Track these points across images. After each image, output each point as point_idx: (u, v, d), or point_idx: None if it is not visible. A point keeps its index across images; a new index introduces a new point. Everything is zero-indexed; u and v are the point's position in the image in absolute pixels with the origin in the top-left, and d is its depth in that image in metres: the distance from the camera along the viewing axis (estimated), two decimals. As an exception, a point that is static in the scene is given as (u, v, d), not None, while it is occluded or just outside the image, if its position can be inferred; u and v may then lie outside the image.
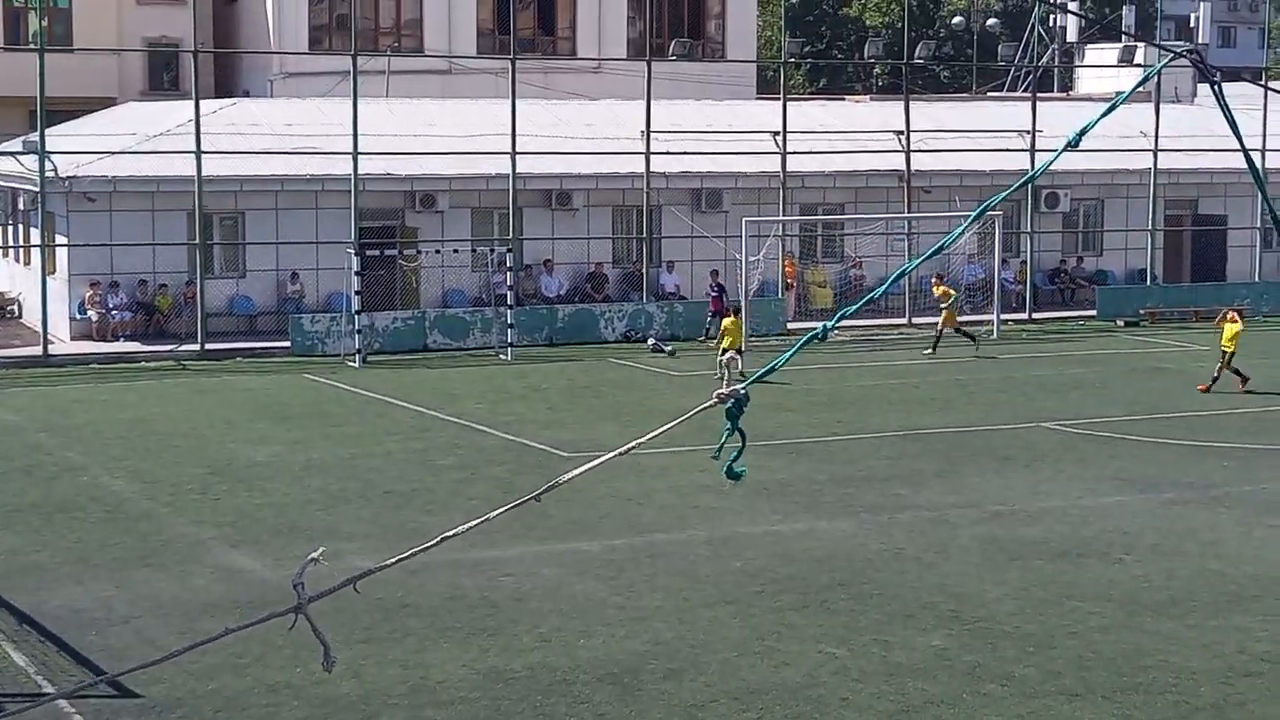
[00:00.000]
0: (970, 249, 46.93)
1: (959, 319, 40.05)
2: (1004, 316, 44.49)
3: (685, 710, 15.03)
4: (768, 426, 28.73)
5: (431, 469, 25.95)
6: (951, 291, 40.21)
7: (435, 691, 15.52)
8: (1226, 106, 4.98)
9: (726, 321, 34.81)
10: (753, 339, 39.50)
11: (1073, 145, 5.04)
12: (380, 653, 16.58)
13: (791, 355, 5.07)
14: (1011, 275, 47.98)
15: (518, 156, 41.86)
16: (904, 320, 45.29)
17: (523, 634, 17.28)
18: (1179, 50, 5.22)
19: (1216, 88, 5.13)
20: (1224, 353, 32.75)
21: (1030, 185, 46.93)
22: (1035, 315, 46.72)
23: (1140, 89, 52.27)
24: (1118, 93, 52.52)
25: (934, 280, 40.85)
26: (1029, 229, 48.01)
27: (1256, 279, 49.27)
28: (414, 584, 18.78)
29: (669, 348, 39.16)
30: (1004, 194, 4.98)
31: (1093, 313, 46.78)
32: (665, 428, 4.98)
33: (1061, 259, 50.18)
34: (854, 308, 5.53)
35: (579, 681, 15.78)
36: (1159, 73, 48.73)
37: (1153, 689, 15.56)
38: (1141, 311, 46.58)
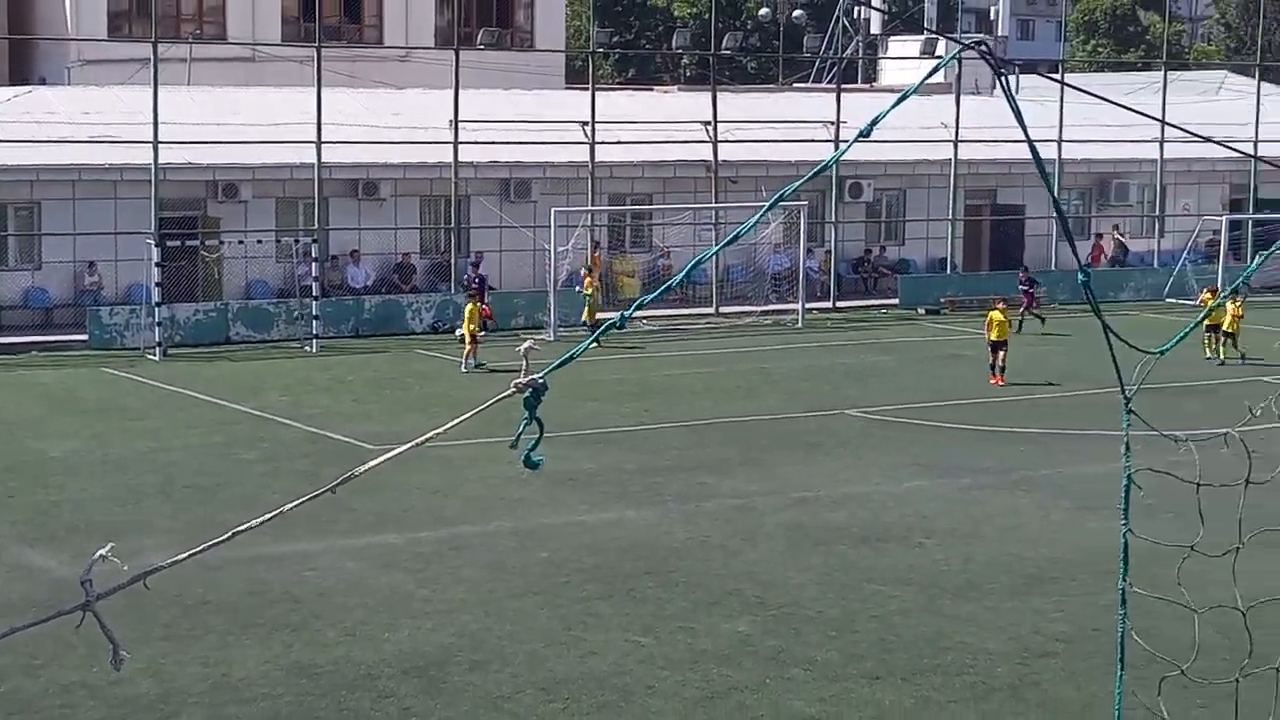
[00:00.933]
0: (776, 239, 47.43)
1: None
2: (808, 305, 45.02)
3: (491, 702, 14.97)
4: (575, 417, 28.74)
5: (234, 463, 25.53)
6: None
7: (237, 689, 15.27)
8: (1012, 97, 5.06)
9: (469, 307, 35.50)
10: (562, 329, 39.53)
11: (864, 135, 5.06)
12: (180, 650, 16.27)
13: (588, 345, 5.03)
14: (816, 264, 48.58)
15: (323, 146, 41.35)
16: (711, 310, 45.63)
17: (326, 629, 17.08)
18: (967, 43, 5.28)
19: (1003, 78, 5.19)
20: (993, 343, 33.40)
21: (834, 176, 47.54)
22: (839, 304, 47.37)
23: (942, 81, 53.26)
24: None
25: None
26: (833, 219, 48.64)
27: (1053, 267, 50.46)
28: (214, 580, 18.45)
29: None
30: (796, 184, 5.00)
31: (895, 301, 47.57)
32: (461, 418, 4.92)
33: (865, 248, 50.93)
34: (650, 297, 5.51)
35: (384, 675, 15.64)
36: (959, 64, 49.62)
37: (951, 670, 15.86)
38: (942, 300, 47.47)
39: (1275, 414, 5.87)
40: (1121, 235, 53.20)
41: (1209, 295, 37.83)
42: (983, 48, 5.52)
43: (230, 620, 17.31)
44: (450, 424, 5.32)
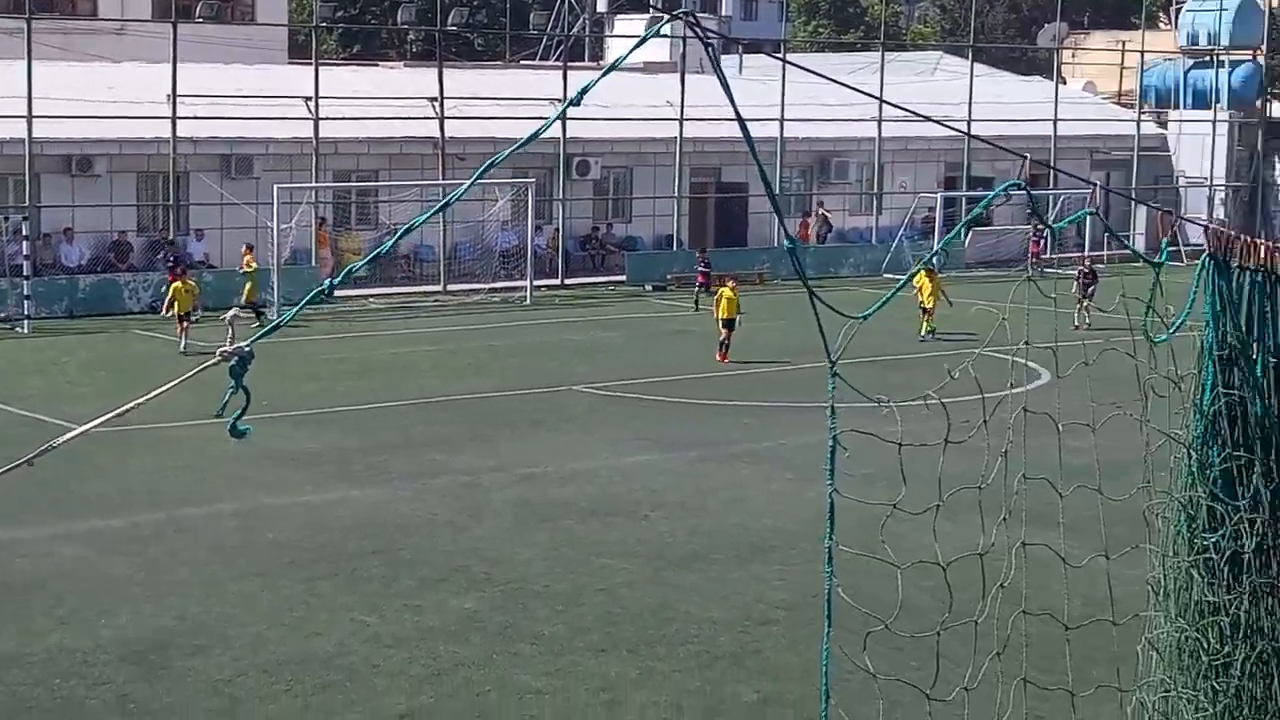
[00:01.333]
0: (504, 216, 47.32)
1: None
2: (537, 282, 45.05)
3: (212, 685, 14.65)
4: (300, 396, 28.30)
5: (-60, 448, 24.49)
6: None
7: (-59, 682, 14.66)
8: (718, 64, 5.07)
9: (177, 286, 34.23)
10: (285, 307, 38.82)
11: (575, 103, 5.04)
12: (-120, 644, 15.55)
13: (296, 312, 4.90)
14: (544, 242, 48.64)
15: (35, 120, 39.85)
16: (439, 287, 45.34)
17: (39, 616, 16.51)
18: (675, 14, 5.28)
19: (708, 49, 5.22)
20: (721, 321, 33.59)
21: (561, 153, 47.60)
22: (567, 281, 47.50)
23: (668, 60, 53.77)
24: (645, 62, 53.90)
25: None
26: (561, 196, 48.74)
27: (775, 244, 51.34)
28: (-82, 570, 17.70)
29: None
30: (507, 151, 4.94)
31: (622, 278, 47.89)
32: (163, 389, 4.76)
33: (593, 225, 51.16)
34: (360, 264, 5.42)
35: (100, 662, 15.18)
36: (684, 43, 50.12)
37: (676, 640, 16.03)
38: (669, 276, 47.94)
39: (974, 377, 6.02)
40: (827, 212, 54.27)
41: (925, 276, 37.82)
42: (690, 18, 5.53)
43: (-65, 611, 16.61)
44: (151, 395, 5.15)
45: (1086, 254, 48.12)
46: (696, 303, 40.79)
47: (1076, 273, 39.54)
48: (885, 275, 49.66)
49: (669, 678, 14.99)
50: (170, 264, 39.33)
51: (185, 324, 33.74)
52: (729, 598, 17.42)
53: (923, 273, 36.16)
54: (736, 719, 14.00)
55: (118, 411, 5.22)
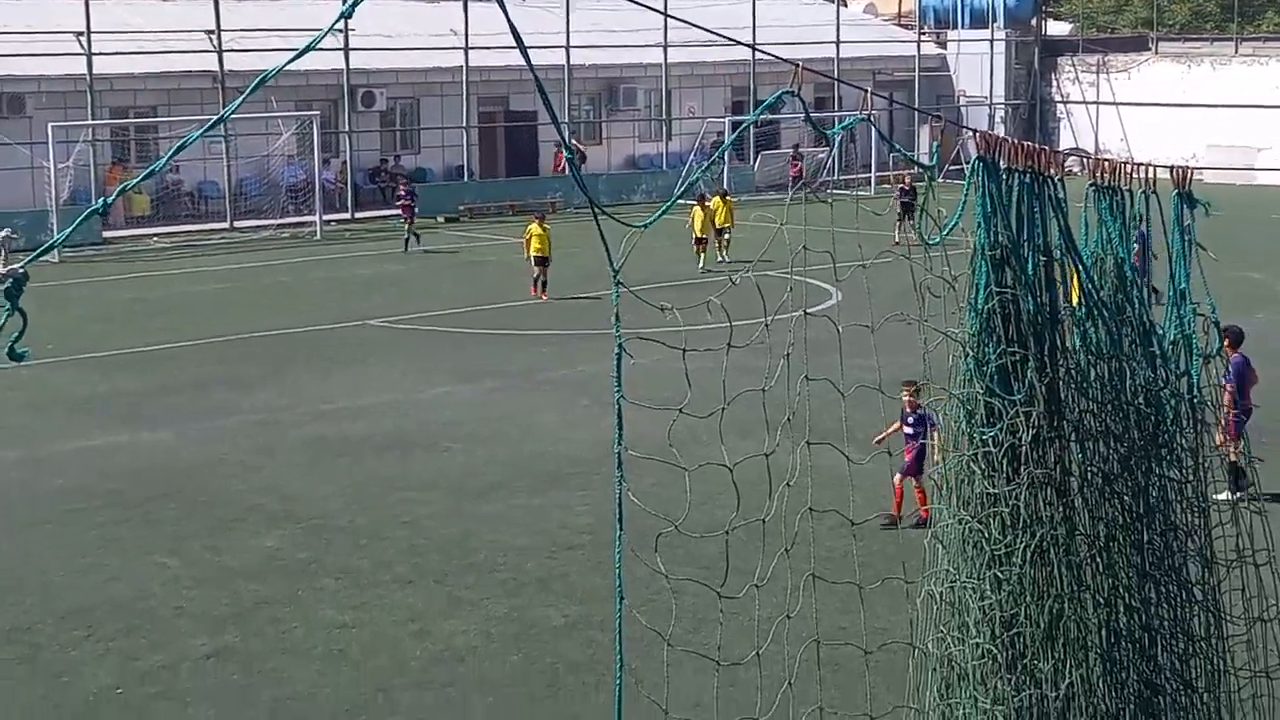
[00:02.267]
0: (289, 150, 46.60)
1: None
2: (326, 217, 44.51)
3: (5, 635, 14.34)
4: (86, 339, 27.70)
5: None
6: None
7: None
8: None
9: None
10: (68, 249, 37.92)
11: (348, 15, 5.00)
12: None
13: (70, 231, 4.81)
14: (332, 176, 48.02)
15: None
16: (226, 225, 44.57)
17: None
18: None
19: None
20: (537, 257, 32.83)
21: (345, 84, 46.97)
22: (357, 215, 46.99)
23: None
24: (427, -8, 53.25)
25: None
26: (347, 128, 48.12)
27: (567, 173, 51.30)
28: None
29: None
30: (273, 71, 4.87)
31: (414, 210, 47.46)
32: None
33: (381, 158, 50.61)
34: (134, 182, 5.34)
35: (-115, 619, 14.76)
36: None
37: (482, 569, 16.07)
38: (461, 207, 47.71)
39: (755, 285, 6.13)
40: (580, 145, 53.49)
41: (713, 200, 36.85)
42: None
43: None
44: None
45: (906, 172, 48.74)
46: (406, 244, 39.52)
47: (897, 190, 39.92)
48: (678, 201, 49.93)
49: (477, 606, 15.04)
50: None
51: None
52: (532, 525, 17.50)
53: (695, 206, 35.91)
54: (545, 643, 14.10)
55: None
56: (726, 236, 36.41)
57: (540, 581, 15.70)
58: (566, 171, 51.98)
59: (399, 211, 40.84)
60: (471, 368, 25.85)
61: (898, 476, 16.60)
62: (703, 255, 35.59)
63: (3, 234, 4.69)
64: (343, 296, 33.35)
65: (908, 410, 16.65)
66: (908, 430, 16.72)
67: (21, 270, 4.83)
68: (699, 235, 35.67)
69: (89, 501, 18.44)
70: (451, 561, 16.29)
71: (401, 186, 41.87)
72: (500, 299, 32.46)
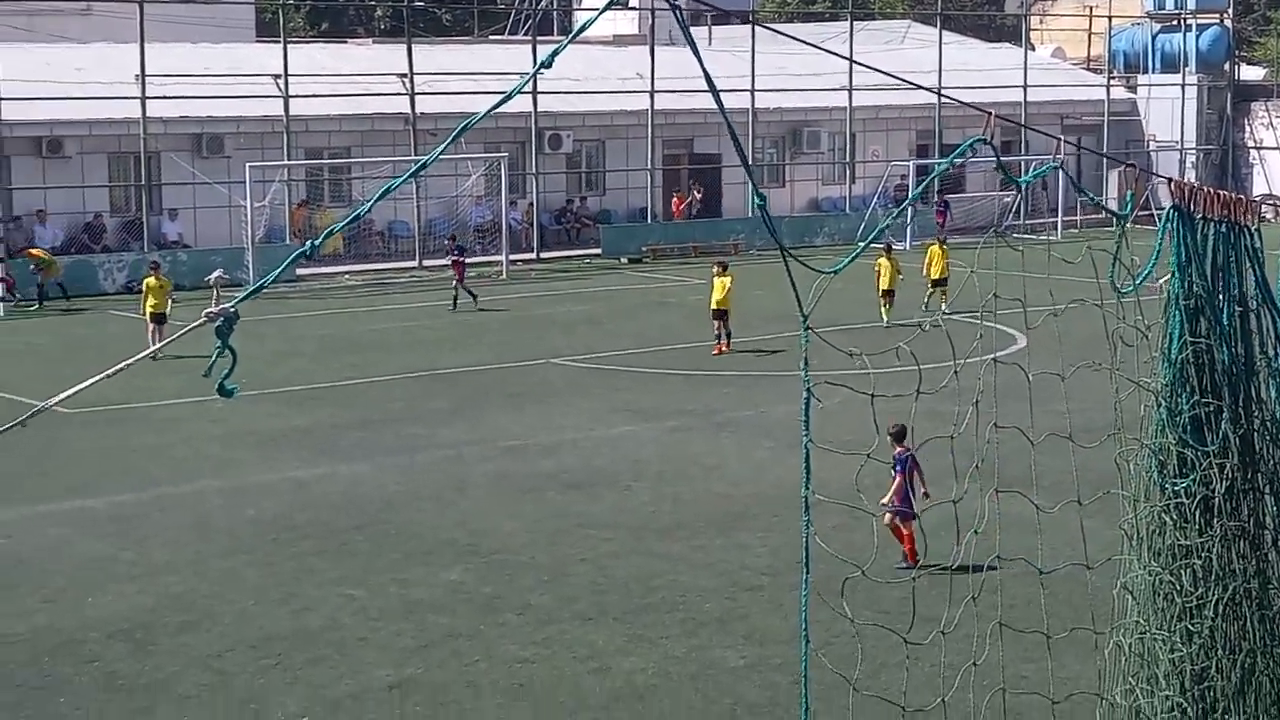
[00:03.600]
0: (477, 191, 47.38)
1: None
2: (512, 257, 45.15)
3: (201, 661, 14.76)
4: (282, 373, 28.39)
5: (-80, 433, 24.51)
6: None
7: (-68, 663, 14.76)
8: (690, 35, 5.21)
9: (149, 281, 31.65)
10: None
11: (546, 66, 5.16)
12: None
13: (278, 273, 5.02)
14: (518, 216, 48.69)
15: (3, 103, 39.75)
16: (415, 263, 45.41)
17: (25, 596, 16.60)
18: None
19: (679, 15, 5.33)
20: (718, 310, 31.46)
21: (534, 127, 47.64)
22: (543, 255, 47.58)
23: (637, 33, 53.78)
24: (615, 35, 53.92)
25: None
26: (534, 170, 48.77)
27: (750, 214, 51.44)
28: (-95, 553, 17.78)
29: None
30: (478, 118, 5.06)
31: (598, 251, 47.99)
32: (139, 356, 4.87)
33: (567, 199, 51.22)
34: (340, 225, 5.55)
35: (89, 640, 15.29)
36: (652, 16, 50.19)
37: (662, 608, 16.18)
38: (644, 248, 48.07)
39: (944, 331, 6.16)
40: (698, 190, 52.74)
41: (883, 258, 34.37)
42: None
43: (-77, 593, 16.70)
44: (127, 362, 5.27)
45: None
46: (455, 301, 37.00)
47: None
48: (859, 244, 49.71)
49: (656, 644, 15.14)
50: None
51: (159, 326, 30.94)
52: (713, 565, 17.57)
53: (882, 256, 33.93)
54: (723, 684, 14.15)
55: (111, 372, 5.34)
56: (944, 288, 34.14)
57: (719, 622, 15.76)
58: (683, 215, 51.70)
59: (450, 268, 38.28)
60: (654, 407, 26.03)
61: (887, 516, 15.89)
62: (888, 309, 33.66)
63: (215, 274, 4.94)
64: (528, 335, 33.78)
65: (895, 455, 16.14)
66: (894, 473, 16.32)
67: (233, 310, 5.05)
68: (886, 288, 33.87)
69: (284, 532, 18.91)
70: (632, 599, 16.42)
71: (449, 242, 39.51)
72: (682, 339, 32.60)
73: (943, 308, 33.27)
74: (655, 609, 16.14)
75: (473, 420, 25.15)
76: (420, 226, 45.95)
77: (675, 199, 51.78)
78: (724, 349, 30.89)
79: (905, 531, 16.24)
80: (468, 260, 38.68)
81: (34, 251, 39.03)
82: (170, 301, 31.12)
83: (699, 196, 52.56)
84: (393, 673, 14.45)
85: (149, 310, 31.04)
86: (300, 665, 14.65)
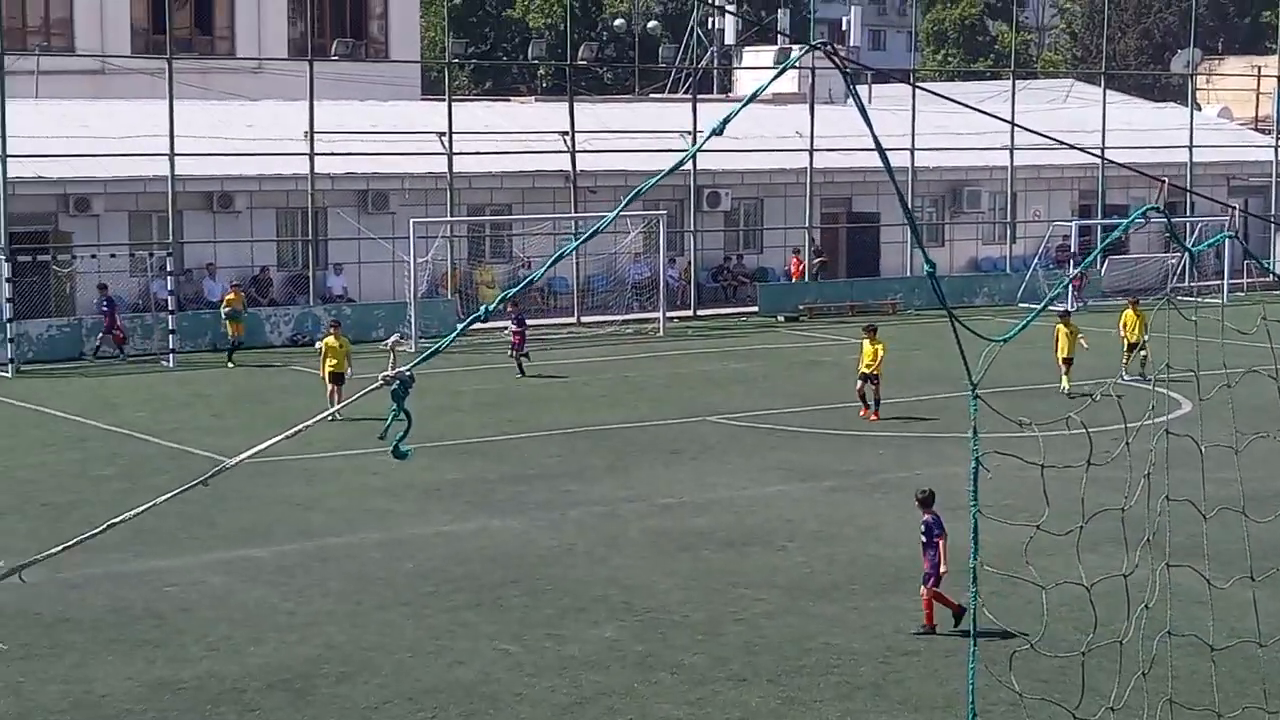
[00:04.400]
0: (635, 248, 47.66)
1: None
2: (670, 314, 45.31)
3: (359, 713, 14.92)
4: (437, 427, 28.67)
5: (91, 480, 25.16)
6: None
7: (99, 706, 15.08)
8: (857, 94, 5.23)
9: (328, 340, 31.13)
10: (424, 339, 39.45)
11: (718, 133, 5.20)
12: (40, 669, 16.02)
13: (453, 338, 5.10)
14: (676, 273, 48.87)
15: (176, 158, 40.84)
16: (573, 319, 45.73)
17: (190, 644, 16.91)
18: (814, 45, 5.46)
19: (846, 75, 5.34)
20: (867, 375, 30.36)
21: (692, 185, 47.86)
22: (700, 312, 47.68)
23: (796, 91, 53.85)
24: (774, 94, 54.00)
25: None
26: (692, 228, 48.96)
27: (909, 273, 51.15)
28: (74, 598, 18.20)
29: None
30: (652, 181, 5.11)
31: (755, 309, 47.99)
32: (323, 416, 4.97)
33: (724, 256, 51.31)
34: (514, 291, 5.63)
35: (250, 689, 15.52)
36: (813, 74, 50.22)
37: (816, 670, 16.06)
38: (801, 307, 47.97)
39: (1116, 399, 6.08)
40: (818, 248, 51.06)
41: (1061, 326, 32.88)
42: (826, 45, 5.67)
43: (91, 638, 17.08)
44: (308, 423, 5.37)
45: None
46: (520, 367, 35.82)
47: None
48: (1020, 305, 49.22)
49: (810, 707, 15.04)
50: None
51: (338, 387, 30.15)
52: (868, 628, 17.42)
53: (1059, 325, 32.62)
54: (877, 748, 14.01)
55: (292, 432, 5.44)
56: (1144, 352, 32.07)
57: (875, 686, 15.61)
58: (800, 278, 50.41)
59: (512, 338, 36.41)
60: (809, 466, 25.91)
61: (923, 588, 17.09)
62: (1067, 377, 32.01)
63: (394, 338, 5.03)
64: (684, 392, 33.84)
65: (925, 520, 17.18)
66: (923, 540, 17.16)
67: (409, 374, 5.13)
68: (1066, 355, 32.33)
69: (440, 585, 19.08)
70: (786, 661, 16.33)
71: (511, 309, 36.62)
72: (838, 399, 32.41)
73: (1144, 371, 31.99)
74: (809, 671, 16.03)
75: (627, 477, 25.22)
76: (579, 283, 46.30)
77: (794, 259, 50.30)
78: (874, 417, 30.06)
79: (928, 596, 17.00)
80: (527, 326, 37.00)
81: (231, 298, 38.95)
82: (350, 361, 30.64)
83: (821, 259, 50.94)
84: (547, 729, 14.48)
85: (328, 370, 30.36)
86: (455, 718, 14.75)
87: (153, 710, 14.98)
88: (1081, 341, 32.73)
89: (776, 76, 5.38)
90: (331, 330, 31.73)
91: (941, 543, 17.01)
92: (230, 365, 37.42)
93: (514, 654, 16.56)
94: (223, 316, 38.85)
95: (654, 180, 5.25)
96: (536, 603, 18.36)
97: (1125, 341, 34.03)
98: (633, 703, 15.17)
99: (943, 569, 16.93)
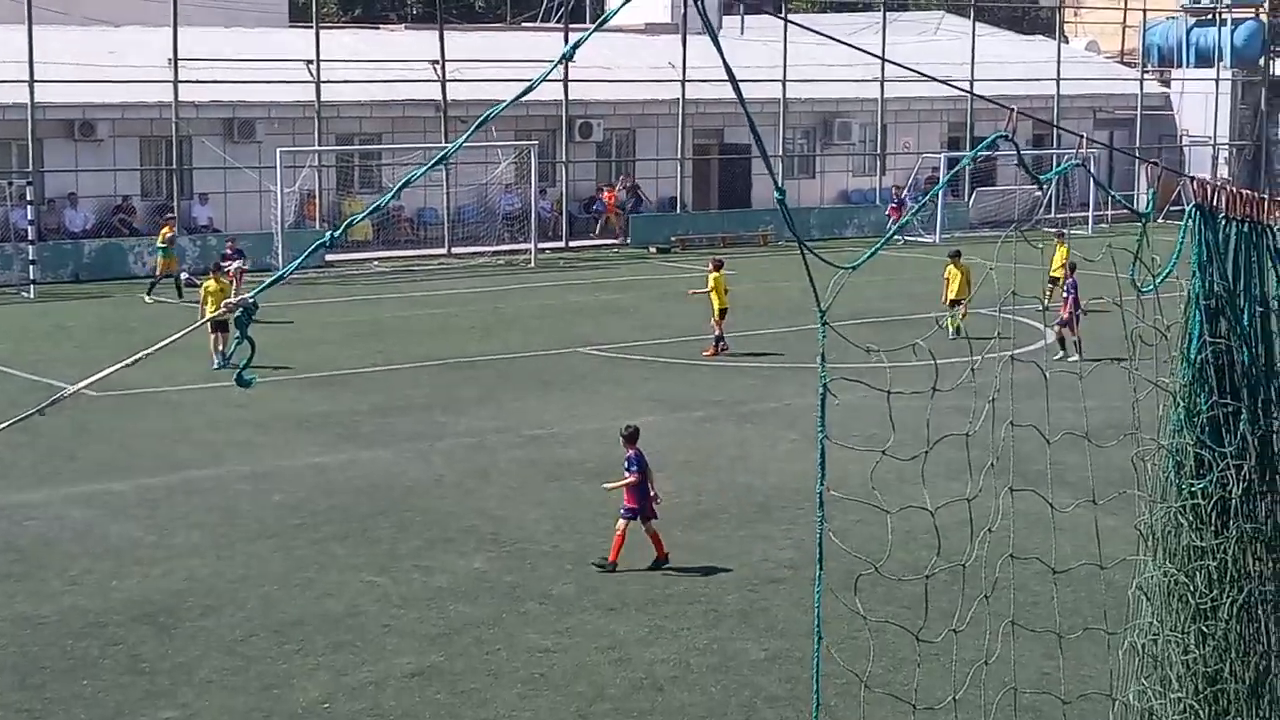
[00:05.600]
0: (507, 179, 47.42)
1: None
2: (541, 245, 45.19)
3: (225, 645, 14.82)
4: (307, 359, 28.47)
5: (-51, 413, 24.68)
6: None
7: (-43, 643, 14.86)
8: (711, 27, 5.21)
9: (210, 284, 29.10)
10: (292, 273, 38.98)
11: (569, 57, 5.17)
12: (-105, 606, 15.74)
13: (299, 263, 5.05)
14: (548, 205, 48.70)
15: (36, 85, 39.91)
16: (444, 250, 45.48)
17: (51, 578, 16.69)
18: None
19: (700, 5, 5.33)
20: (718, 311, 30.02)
21: (564, 115, 47.65)
22: (571, 243, 47.60)
23: (669, 22, 53.70)
24: (646, 24, 53.85)
25: None
26: (564, 159, 48.78)
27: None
28: (-69, 533, 17.90)
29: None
30: (501, 106, 5.07)
31: (627, 240, 47.99)
32: (161, 344, 4.90)
33: (596, 187, 51.20)
34: (362, 216, 5.57)
35: (112, 623, 15.37)
36: (684, 5, 50.11)
37: (683, 599, 16.19)
38: (673, 239, 48.05)
39: (964, 335, 6.16)
40: (637, 183, 50.93)
41: (951, 265, 31.32)
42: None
43: (-51, 574, 16.81)
44: (152, 349, 5.30)
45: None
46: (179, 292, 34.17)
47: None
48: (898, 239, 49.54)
49: (677, 636, 15.16)
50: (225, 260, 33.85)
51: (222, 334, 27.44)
52: (735, 556, 17.57)
53: (949, 264, 31.18)
54: (745, 676, 14.15)
55: (125, 363, 5.37)
56: (962, 311, 29.53)
57: (741, 614, 15.77)
58: (614, 211, 49.76)
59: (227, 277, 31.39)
60: (679, 397, 26.03)
61: (621, 523, 17.09)
62: (955, 320, 29.58)
63: (236, 265, 4.96)
64: (555, 324, 33.82)
65: (627, 455, 17.19)
66: (628, 476, 17.15)
67: (251, 300, 5.08)
68: (954, 297, 30.65)
69: (309, 517, 18.97)
70: (654, 590, 16.44)
71: (230, 247, 35.83)
72: (711, 330, 32.51)
73: (950, 328, 29.86)
74: (677, 600, 16.15)
75: (497, 408, 25.19)
76: (450, 214, 46.01)
77: (607, 193, 49.33)
78: (710, 351, 29.68)
79: (622, 532, 17.00)
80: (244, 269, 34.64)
81: (166, 231, 37.06)
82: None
83: (634, 191, 50.05)
84: (414, 660, 14.50)
85: (210, 315, 26.94)
86: (322, 651, 14.71)
87: (14, 645, 14.79)
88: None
89: (627, 2, 5.36)
90: (213, 274, 29.67)
91: (643, 476, 17.06)
92: (148, 300, 35.95)
93: (381, 585, 16.53)
94: (160, 251, 36.90)
95: (504, 105, 5.21)
96: (405, 534, 18.32)
97: (946, 299, 31.16)
98: (501, 632, 15.20)
99: (652, 493, 17.03)
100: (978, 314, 27.15)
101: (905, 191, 51.75)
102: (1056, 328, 27.66)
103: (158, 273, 36.98)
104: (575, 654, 14.68)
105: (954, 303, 30.55)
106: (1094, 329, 7.09)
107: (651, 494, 17.13)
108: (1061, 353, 26.65)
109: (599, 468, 21.39)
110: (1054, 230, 35.66)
